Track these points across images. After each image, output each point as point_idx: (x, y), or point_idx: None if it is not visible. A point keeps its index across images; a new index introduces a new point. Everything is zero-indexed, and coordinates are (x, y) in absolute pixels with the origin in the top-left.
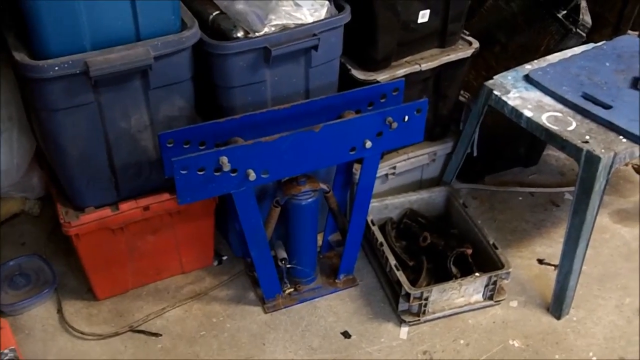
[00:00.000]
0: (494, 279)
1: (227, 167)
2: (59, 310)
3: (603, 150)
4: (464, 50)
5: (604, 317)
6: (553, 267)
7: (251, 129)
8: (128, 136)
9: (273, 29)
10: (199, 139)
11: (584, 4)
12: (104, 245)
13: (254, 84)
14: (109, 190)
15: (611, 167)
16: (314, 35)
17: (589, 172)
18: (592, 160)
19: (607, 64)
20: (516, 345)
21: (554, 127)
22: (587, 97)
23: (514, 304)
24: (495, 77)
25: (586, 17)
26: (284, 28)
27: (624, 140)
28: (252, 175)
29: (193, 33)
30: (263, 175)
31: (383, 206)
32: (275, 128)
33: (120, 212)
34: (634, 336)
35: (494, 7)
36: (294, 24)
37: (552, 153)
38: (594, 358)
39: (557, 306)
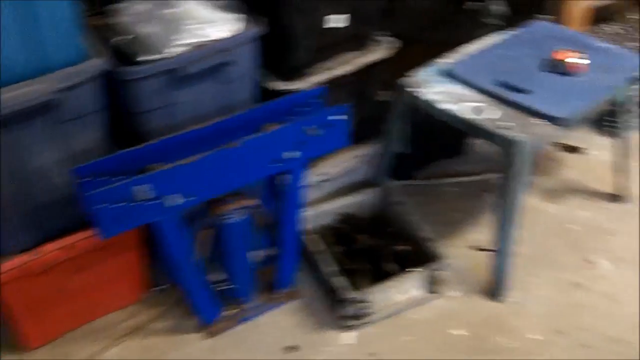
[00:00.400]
0: (432, 272)
1: (148, 195)
2: None
3: (523, 135)
4: (383, 51)
5: (540, 295)
6: (489, 253)
7: (171, 153)
8: (42, 174)
9: (182, 49)
10: (118, 169)
11: None
12: (30, 291)
13: (169, 106)
14: (29, 233)
15: (532, 150)
16: (226, 51)
17: (511, 157)
18: (513, 146)
19: (523, 50)
20: (460, 333)
21: (475, 118)
22: (505, 84)
23: (455, 293)
24: (412, 73)
25: (499, 7)
26: (194, 47)
27: (543, 122)
28: (175, 201)
29: (96, 62)
30: (187, 199)
31: (318, 213)
32: (195, 149)
33: (43, 255)
34: (570, 308)
35: (410, 6)
36: (205, 41)
37: (477, 141)
38: (535, 335)
39: (495, 290)
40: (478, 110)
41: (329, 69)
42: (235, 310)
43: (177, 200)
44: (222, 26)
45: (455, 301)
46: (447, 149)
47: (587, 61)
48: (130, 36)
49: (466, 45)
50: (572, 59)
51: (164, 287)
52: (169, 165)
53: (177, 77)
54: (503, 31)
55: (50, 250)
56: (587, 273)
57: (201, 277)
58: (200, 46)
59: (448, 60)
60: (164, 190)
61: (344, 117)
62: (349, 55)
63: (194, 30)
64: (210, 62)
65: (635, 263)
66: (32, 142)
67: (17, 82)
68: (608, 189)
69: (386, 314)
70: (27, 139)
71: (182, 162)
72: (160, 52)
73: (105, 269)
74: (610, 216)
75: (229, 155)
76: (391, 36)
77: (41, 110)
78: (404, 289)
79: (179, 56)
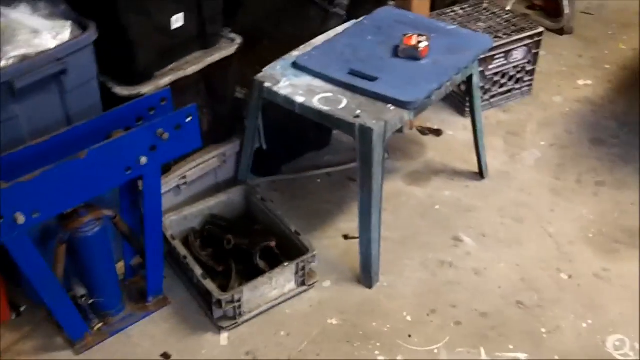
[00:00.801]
0: (301, 264)
1: None
2: None
3: (374, 121)
4: (227, 48)
5: (411, 276)
6: (357, 240)
7: (14, 170)
8: None
9: (11, 61)
10: None
11: None
12: None
13: (5, 122)
14: None
15: (384, 135)
16: (59, 59)
17: (365, 145)
18: (365, 133)
19: (369, 38)
20: (334, 322)
21: (325, 108)
22: (353, 73)
23: (327, 284)
24: (264, 69)
25: None
26: (24, 58)
27: (392, 107)
28: (21, 219)
29: None
30: (34, 216)
31: (182, 218)
32: (40, 163)
33: None
34: (441, 287)
35: (255, 1)
36: (35, 52)
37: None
38: (408, 317)
39: (366, 276)
40: (329, 101)
41: (174, 70)
42: (105, 324)
43: (23, 218)
44: (54, 34)
45: (328, 291)
46: (312, 142)
47: (427, 43)
48: None
49: (314, 37)
50: (420, 42)
51: (25, 307)
52: (10, 183)
53: (10, 91)
54: (350, 21)
55: None
56: (454, 251)
57: (63, 293)
58: (31, 57)
59: (297, 53)
60: (8, 209)
61: (193, 117)
62: (195, 55)
63: (23, 41)
64: (44, 72)
65: (497, 237)
66: None
67: None
68: (469, 167)
69: (259, 311)
70: None
71: (24, 178)
72: None
73: None
74: (473, 193)
75: (75, 167)
76: (238, 33)
77: None
78: (276, 285)
79: (11, 68)
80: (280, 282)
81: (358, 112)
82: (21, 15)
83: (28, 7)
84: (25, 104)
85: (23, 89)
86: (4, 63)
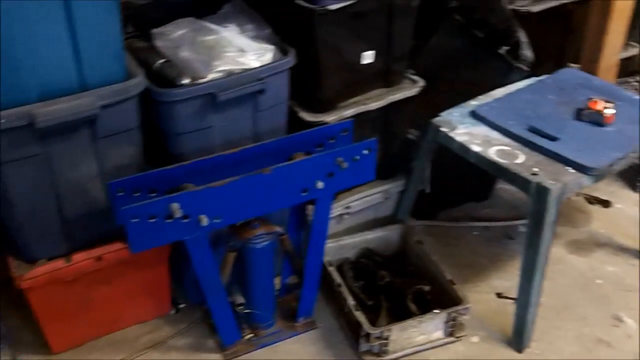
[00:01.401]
0: (453, 315)
1: (178, 213)
2: None
3: (552, 182)
4: (410, 88)
5: (564, 349)
6: (511, 301)
7: (201, 175)
8: (77, 186)
9: (219, 74)
10: (150, 186)
11: (524, 39)
12: (57, 298)
13: (202, 130)
14: (61, 242)
15: (561, 197)
16: (260, 79)
17: (539, 204)
18: (541, 192)
19: (551, 97)
20: None
21: (502, 161)
22: (533, 129)
23: (475, 339)
24: (441, 114)
25: (527, 52)
26: (230, 73)
27: (572, 170)
28: (205, 221)
29: (139, 81)
30: (215, 221)
31: (339, 246)
32: (225, 173)
33: (73, 264)
34: None
35: (438, 46)
36: (239, 69)
37: (504, 187)
38: None
39: (517, 339)
40: (506, 154)
41: (357, 103)
42: (255, 335)
43: (206, 221)
44: (257, 55)
45: (475, 347)
46: (472, 192)
47: (614, 111)
48: (170, 60)
49: (493, 88)
50: (606, 109)
51: (184, 305)
52: (201, 187)
53: (213, 102)
54: (531, 77)
55: (80, 259)
56: (614, 331)
57: (225, 298)
58: (236, 73)
59: (477, 102)
60: (195, 211)
61: (372, 151)
62: (377, 91)
63: (230, 58)
64: (245, 89)
65: None
66: (73, 154)
67: (61, 96)
68: (635, 245)
69: (404, 353)
70: (68, 152)
71: (214, 184)
72: (198, 77)
73: (131, 282)
74: (638, 273)
75: (259, 181)
76: (418, 74)
77: (82, 125)
78: (424, 330)
79: (218, 82)
80: (428, 328)
81: (535, 169)
82: (230, 34)
83: (237, 27)
84: (222, 116)
85: (224, 102)
86: (212, 76)
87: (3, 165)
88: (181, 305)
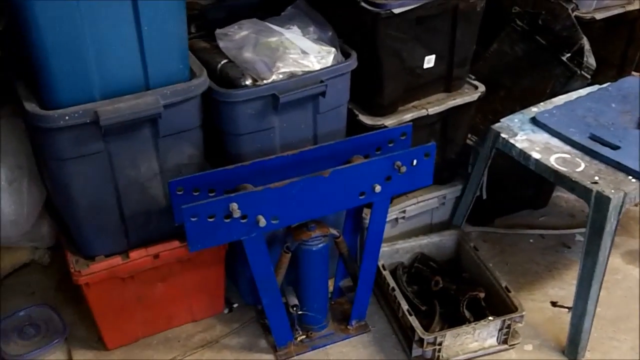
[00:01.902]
0: (507, 322)
1: (237, 213)
2: None
3: (613, 191)
4: (470, 94)
5: None
6: (567, 310)
7: (260, 176)
8: (137, 184)
9: (281, 76)
10: (209, 186)
11: (587, 46)
12: (113, 294)
13: (263, 131)
14: (119, 239)
15: (621, 207)
16: (321, 82)
17: (599, 213)
18: (602, 201)
19: (613, 105)
20: None
21: (562, 169)
22: (594, 138)
23: (529, 347)
24: (502, 120)
25: (590, 60)
26: (292, 75)
27: (633, 180)
28: (262, 222)
29: (202, 81)
30: (273, 221)
31: (394, 250)
32: (284, 174)
33: (130, 261)
34: None
35: (498, 52)
36: (301, 71)
37: (561, 195)
38: None
39: (572, 349)
40: (566, 162)
41: (417, 107)
42: (307, 337)
43: (264, 222)
44: (319, 57)
45: (528, 355)
46: (529, 199)
47: None
48: (233, 61)
49: (554, 95)
50: None
51: (237, 305)
52: (260, 188)
53: (274, 103)
54: (593, 85)
55: (138, 257)
56: None
57: (279, 298)
58: (298, 75)
59: (538, 108)
60: (253, 211)
61: (431, 156)
62: (438, 96)
63: (293, 60)
64: (307, 91)
65: None
66: (134, 153)
67: (124, 94)
68: None
69: (456, 359)
70: (130, 150)
71: (273, 185)
72: (261, 78)
73: (186, 281)
74: None
75: (317, 184)
76: (477, 80)
77: (144, 123)
78: (477, 337)
79: (280, 83)
80: (482, 335)
81: (596, 178)
82: (293, 36)
83: (300, 29)
84: (282, 117)
85: (285, 103)
86: (274, 77)
87: (66, 161)
88: (235, 305)
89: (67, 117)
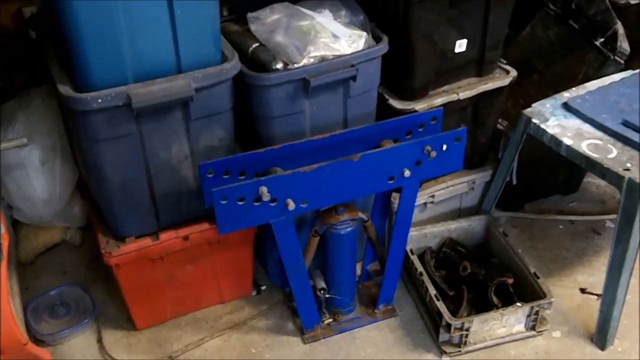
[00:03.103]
0: (536, 309)
1: (266, 197)
2: (99, 340)
3: None
4: (502, 79)
5: None
6: (596, 297)
7: (290, 159)
8: (168, 166)
9: (312, 60)
10: (239, 169)
11: (621, 31)
12: (143, 275)
13: (293, 115)
14: (149, 220)
15: None
16: (352, 66)
17: (631, 200)
18: (634, 188)
19: None
20: None
21: (594, 155)
22: (627, 124)
23: (557, 334)
24: (533, 105)
25: (624, 44)
26: (323, 59)
27: None
28: (292, 205)
29: (233, 65)
30: (302, 205)
31: (422, 235)
32: (313, 158)
33: (161, 242)
34: None
35: (531, 36)
36: (332, 55)
37: (592, 180)
38: None
39: (601, 336)
40: (598, 148)
41: (448, 92)
42: (334, 320)
43: (293, 205)
44: (350, 41)
45: (556, 342)
46: (560, 185)
47: None
48: (264, 44)
49: (586, 80)
50: None
51: (265, 287)
52: (289, 171)
53: (305, 87)
54: (627, 71)
55: (168, 238)
56: None
57: (307, 281)
58: (329, 59)
59: (570, 94)
60: (283, 194)
61: (461, 141)
62: (469, 80)
63: (324, 43)
64: (338, 75)
65: None
66: (166, 135)
67: (157, 77)
68: None
69: (484, 345)
70: (162, 132)
71: (302, 169)
72: (293, 62)
73: (215, 263)
74: None
75: (347, 168)
76: (509, 64)
77: (176, 106)
78: (505, 323)
79: (311, 67)
80: (510, 321)
81: (629, 165)
82: (324, 20)
83: (331, 13)
84: (313, 101)
85: (316, 87)
86: (305, 61)
87: (99, 143)
88: (262, 287)
89: (100, 100)
